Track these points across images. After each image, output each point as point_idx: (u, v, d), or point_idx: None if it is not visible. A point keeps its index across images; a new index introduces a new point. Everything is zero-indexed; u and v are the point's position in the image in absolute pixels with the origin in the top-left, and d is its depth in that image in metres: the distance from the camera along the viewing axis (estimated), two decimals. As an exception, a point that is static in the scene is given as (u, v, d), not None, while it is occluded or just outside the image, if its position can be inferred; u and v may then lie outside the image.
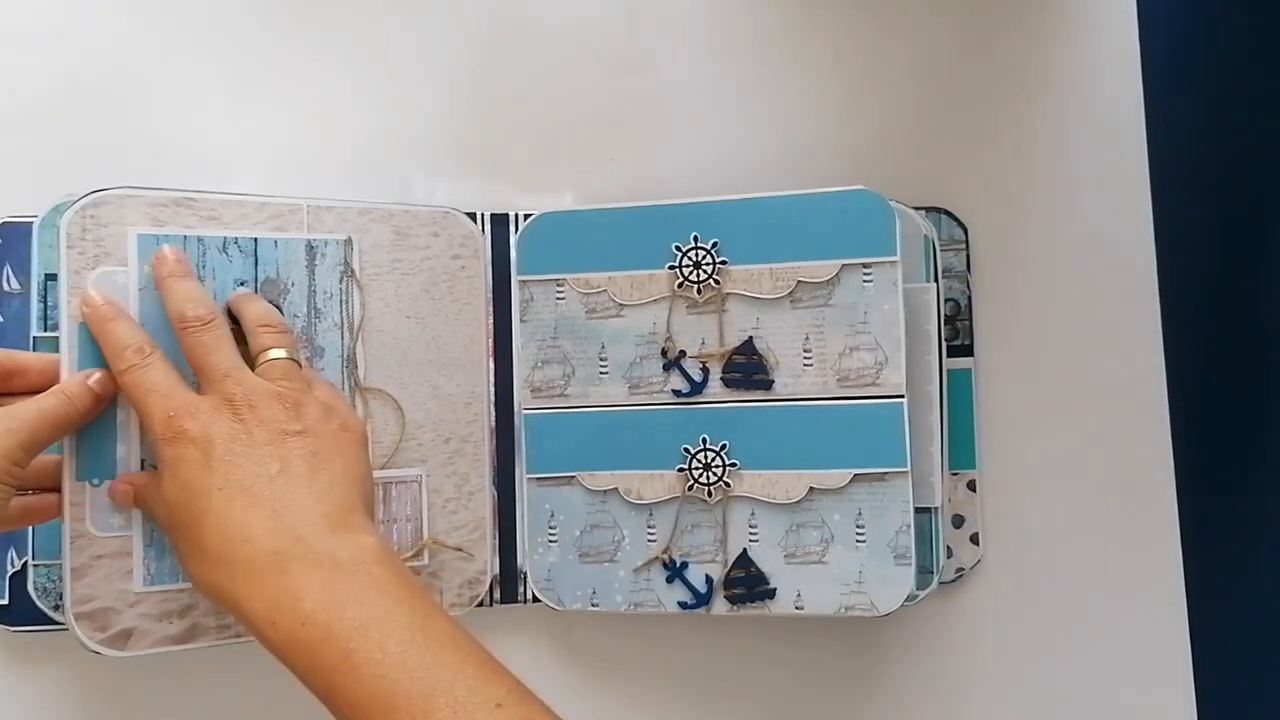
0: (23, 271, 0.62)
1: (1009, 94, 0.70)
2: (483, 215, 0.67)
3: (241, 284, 0.58)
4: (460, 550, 0.63)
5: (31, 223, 0.60)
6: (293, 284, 0.59)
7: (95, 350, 0.54)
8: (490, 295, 0.66)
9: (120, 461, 0.54)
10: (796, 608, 0.62)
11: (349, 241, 0.61)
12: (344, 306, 0.61)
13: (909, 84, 0.70)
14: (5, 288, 0.62)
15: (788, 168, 0.69)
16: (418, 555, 0.62)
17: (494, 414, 0.66)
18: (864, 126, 0.70)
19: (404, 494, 0.62)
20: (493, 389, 0.66)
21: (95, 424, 0.54)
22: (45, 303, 0.60)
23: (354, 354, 0.61)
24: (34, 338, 0.60)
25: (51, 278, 0.60)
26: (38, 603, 0.60)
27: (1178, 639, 0.67)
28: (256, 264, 0.58)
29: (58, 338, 0.60)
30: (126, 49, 0.66)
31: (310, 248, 0.60)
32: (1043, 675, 0.68)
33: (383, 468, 0.61)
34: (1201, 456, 0.68)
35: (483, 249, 0.66)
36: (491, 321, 0.66)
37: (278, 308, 0.58)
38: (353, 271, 0.61)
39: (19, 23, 0.66)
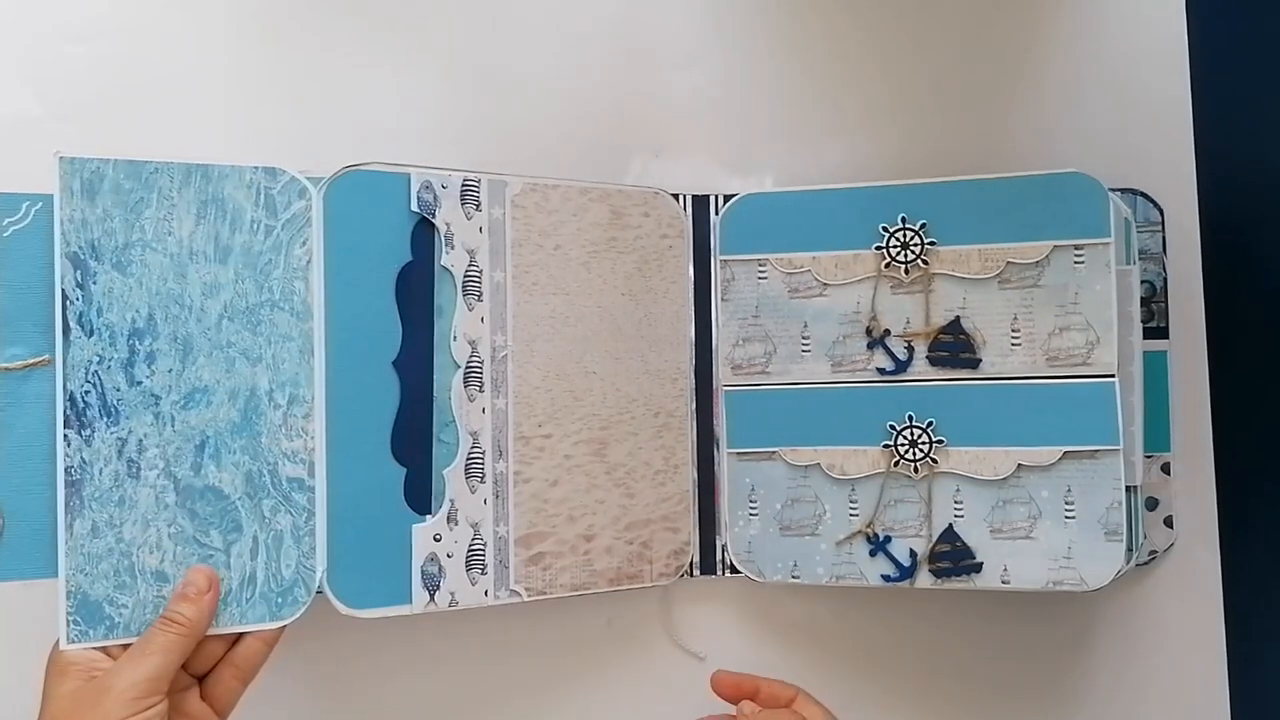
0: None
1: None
2: (684, 197, 0.68)
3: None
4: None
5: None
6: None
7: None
8: (691, 275, 0.68)
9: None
10: (1003, 581, 0.63)
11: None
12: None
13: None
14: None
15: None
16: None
17: (694, 391, 0.67)
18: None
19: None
20: (692, 366, 0.67)
21: None
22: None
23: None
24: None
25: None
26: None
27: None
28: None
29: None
30: (178, 41, 0.68)
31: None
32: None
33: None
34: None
35: (686, 230, 0.67)
36: (692, 300, 0.68)
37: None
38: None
39: (68, 15, 0.67)
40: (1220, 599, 0.69)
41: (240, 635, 0.57)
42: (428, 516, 0.60)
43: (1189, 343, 0.69)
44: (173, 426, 0.56)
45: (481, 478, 0.61)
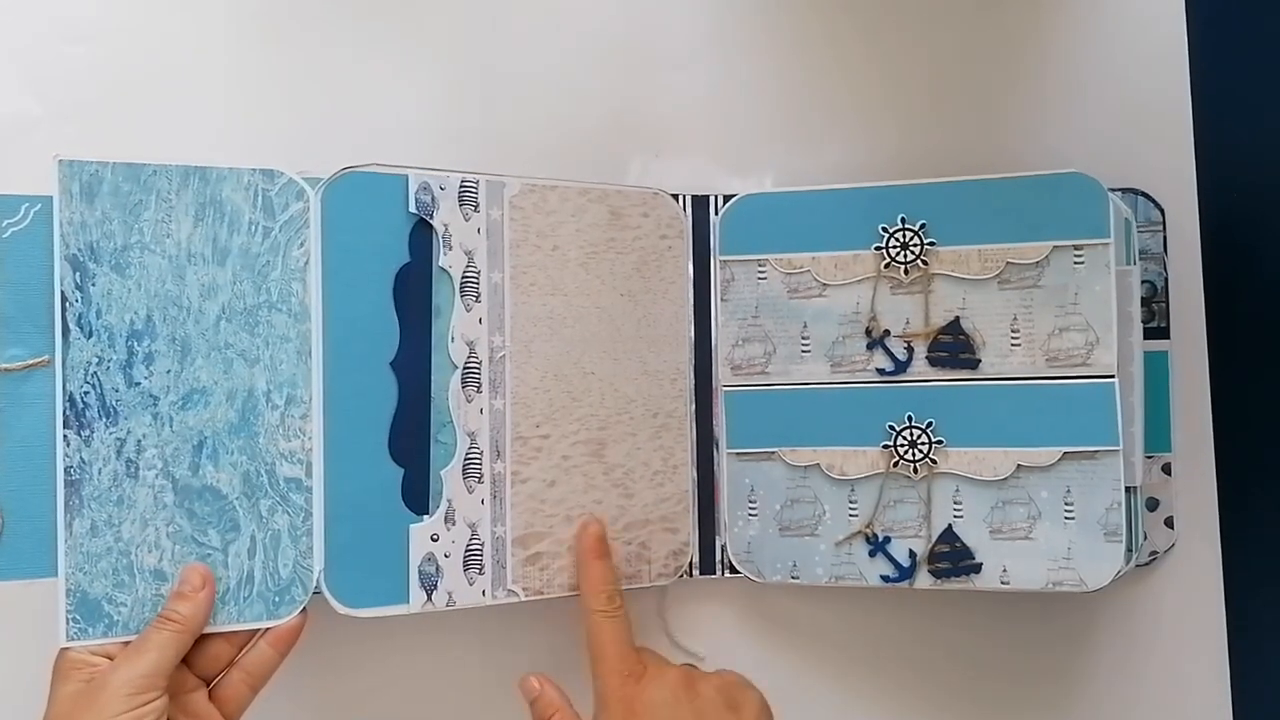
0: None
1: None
2: (684, 197, 0.68)
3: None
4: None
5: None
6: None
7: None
8: (690, 275, 0.68)
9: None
10: (1002, 582, 0.63)
11: None
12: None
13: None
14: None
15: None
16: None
17: (694, 391, 0.67)
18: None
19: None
20: (692, 366, 0.67)
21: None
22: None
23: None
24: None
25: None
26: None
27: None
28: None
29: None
30: (178, 41, 0.68)
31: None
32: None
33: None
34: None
35: (686, 230, 0.67)
36: (691, 300, 0.68)
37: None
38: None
39: (67, 15, 0.67)
40: (1221, 599, 0.68)
41: (251, 640, 0.57)
42: (425, 516, 0.60)
43: (1190, 343, 0.69)
44: (171, 427, 0.56)
45: (479, 478, 0.61)
